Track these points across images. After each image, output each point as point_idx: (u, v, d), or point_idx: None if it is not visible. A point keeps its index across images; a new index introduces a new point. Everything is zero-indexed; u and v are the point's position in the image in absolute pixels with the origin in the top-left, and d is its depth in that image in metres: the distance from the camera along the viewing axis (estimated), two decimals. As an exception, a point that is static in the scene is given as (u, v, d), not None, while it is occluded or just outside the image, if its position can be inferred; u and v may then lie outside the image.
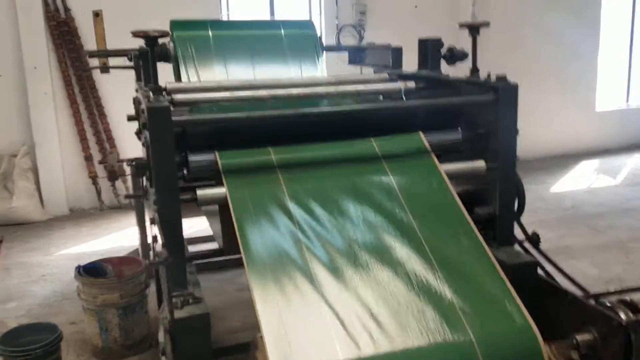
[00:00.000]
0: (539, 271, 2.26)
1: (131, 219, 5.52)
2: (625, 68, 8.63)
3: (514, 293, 1.88)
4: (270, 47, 3.35)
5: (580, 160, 7.70)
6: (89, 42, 5.93)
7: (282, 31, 3.43)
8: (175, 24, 3.27)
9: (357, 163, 2.25)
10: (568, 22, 7.67)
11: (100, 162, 5.93)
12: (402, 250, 1.99)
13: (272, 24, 3.54)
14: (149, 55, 1.98)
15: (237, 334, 3.44)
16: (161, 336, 3.10)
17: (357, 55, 3.78)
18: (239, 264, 4.61)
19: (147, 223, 4.34)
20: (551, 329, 2.00)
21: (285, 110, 2.21)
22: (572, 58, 7.82)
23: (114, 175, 4.87)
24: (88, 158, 6.14)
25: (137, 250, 4.87)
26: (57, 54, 5.97)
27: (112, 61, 3.90)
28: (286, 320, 1.74)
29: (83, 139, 6.12)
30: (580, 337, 1.93)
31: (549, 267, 2.35)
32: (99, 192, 6.20)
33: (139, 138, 3.10)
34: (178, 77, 3.22)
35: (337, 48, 3.87)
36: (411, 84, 2.70)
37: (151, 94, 2.00)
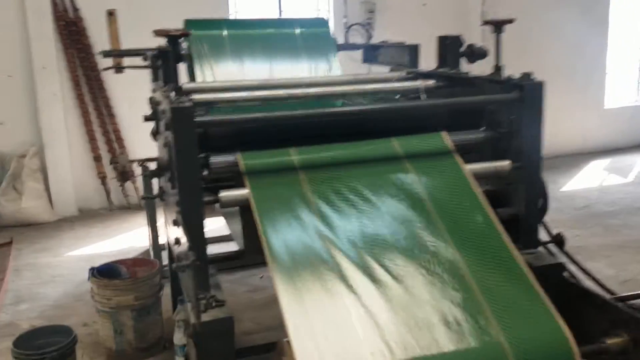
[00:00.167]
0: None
1: (140, 219, 5.49)
2: (635, 65, 8.56)
3: (544, 297, 1.84)
4: (284, 45, 3.32)
5: (590, 158, 7.65)
6: (98, 42, 5.90)
7: (297, 30, 3.39)
8: (190, 23, 3.24)
9: (379, 163, 2.21)
10: (577, 20, 7.62)
11: (111, 163, 5.89)
12: (429, 252, 1.95)
13: (287, 23, 3.51)
14: (170, 54, 1.94)
15: (251, 335, 3.42)
16: (176, 338, 3.09)
17: (371, 53, 3.74)
18: (249, 265, 4.59)
19: (159, 224, 4.33)
20: (579, 332, 1.96)
21: (310, 110, 2.17)
22: (581, 56, 7.77)
23: (125, 175, 4.84)
24: (97, 158, 6.12)
25: (147, 251, 4.85)
26: (65, 54, 5.94)
27: (124, 61, 3.87)
28: (314, 325, 1.71)
29: (92, 139, 6.10)
30: (611, 341, 1.90)
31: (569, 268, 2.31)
32: (108, 193, 6.18)
33: (155, 139, 3.07)
34: (192, 77, 3.19)
35: (351, 46, 3.83)
36: (430, 83, 2.66)
37: (173, 94, 1.97)
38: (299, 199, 2.04)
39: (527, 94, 2.20)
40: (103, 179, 6.14)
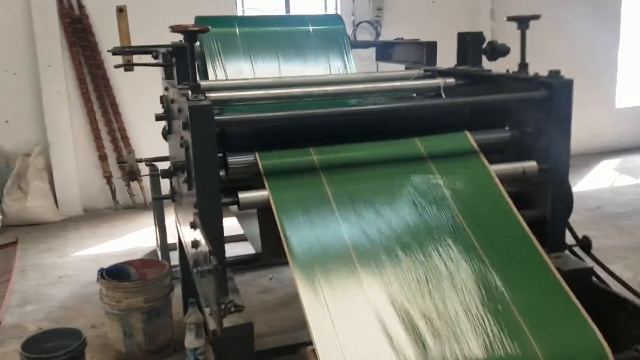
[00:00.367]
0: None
1: (147, 219, 5.44)
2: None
3: (578, 304, 1.77)
4: (298, 43, 3.24)
5: (600, 158, 7.56)
6: (104, 40, 5.85)
7: (310, 27, 3.32)
8: (201, 20, 3.16)
9: (401, 163, 2.14)
10: (587, 16, 7.51)
11: (119, 162, 5.84)
12: (455, 255, 1.88)
13: (300, 19, 3.43)
14: (187, 51, 1.87)
15: (263, 338, 3.35)
16: (187, 342, 3.02)
17: (384, 51, 3.66)
18: (259, 266, 4.51)
19: (167, 224, 4.27)
20: (610, 339, 1.89)
21: (333, 109, 2.10)
22: (592, 54, 7.66)
23: (133, 175, 4.78)
24: (102, 157, 6.06)
25: (154, 251, 4.79)
26: (71, 52, 5.88)
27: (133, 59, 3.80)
28: (339, 331, 1.64)
29: (97, 138, 6.04)
30: (645, 348, 1.82)
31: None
32: (113, 192, 6.11)
33: (165, 138, 3.00)
34: (203, 75, 3.11)
35: (364, 44, 3.75)
36: (451, 81, 2.58)
37: (190, 92, 1.90)
38: (320, 200, 1.97)
39: (556, 93, 2.13)
40: (108, 178, 6.08)
